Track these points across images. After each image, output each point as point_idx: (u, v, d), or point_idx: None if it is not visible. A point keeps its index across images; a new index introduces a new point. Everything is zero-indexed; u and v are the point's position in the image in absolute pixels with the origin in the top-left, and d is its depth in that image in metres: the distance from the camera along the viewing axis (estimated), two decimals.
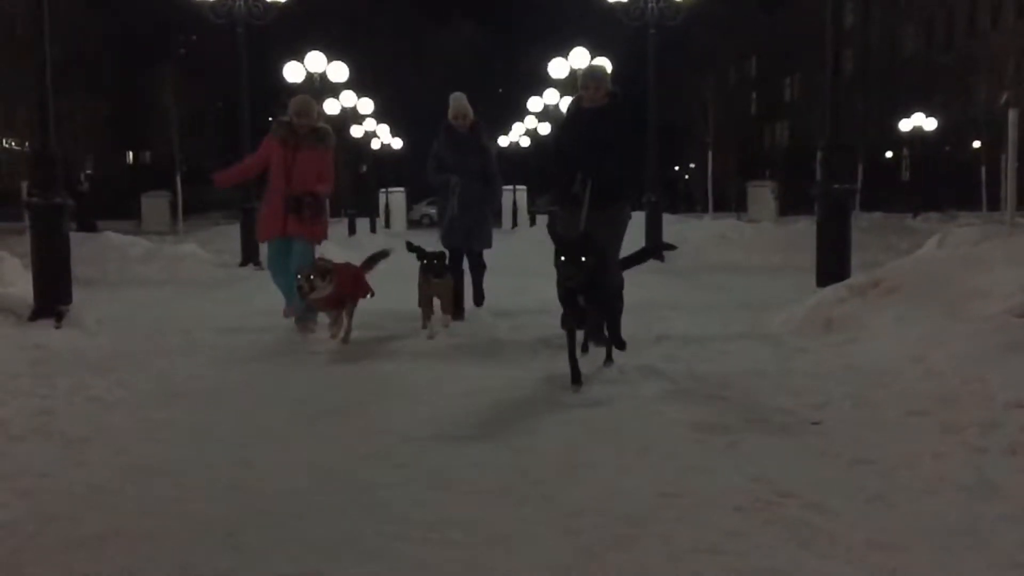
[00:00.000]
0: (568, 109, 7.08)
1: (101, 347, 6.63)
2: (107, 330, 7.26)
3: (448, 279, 7.51)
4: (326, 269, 6.68)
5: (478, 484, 3.56)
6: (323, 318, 7.29)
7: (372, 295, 7.42)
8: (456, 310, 7.97)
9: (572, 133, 6.68)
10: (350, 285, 7.02)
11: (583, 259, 5.31)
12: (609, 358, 5.86)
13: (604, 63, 6.76)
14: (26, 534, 3.10)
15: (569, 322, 5.58)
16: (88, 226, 20.69)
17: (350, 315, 6.97)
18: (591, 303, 5.49)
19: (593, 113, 6.56)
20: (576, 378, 5.29)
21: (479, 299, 8.72)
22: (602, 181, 6.27)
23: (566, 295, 5.51)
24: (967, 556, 2.82)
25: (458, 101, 8.47)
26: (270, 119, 8.63)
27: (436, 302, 7.53)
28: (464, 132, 8.42)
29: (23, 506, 3.38)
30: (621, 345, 5.85)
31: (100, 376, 5.66)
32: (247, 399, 5.16)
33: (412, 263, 7.56)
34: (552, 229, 5.67)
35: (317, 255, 7.43)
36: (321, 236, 7.64)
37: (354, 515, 3.25)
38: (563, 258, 5.35)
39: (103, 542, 3.01)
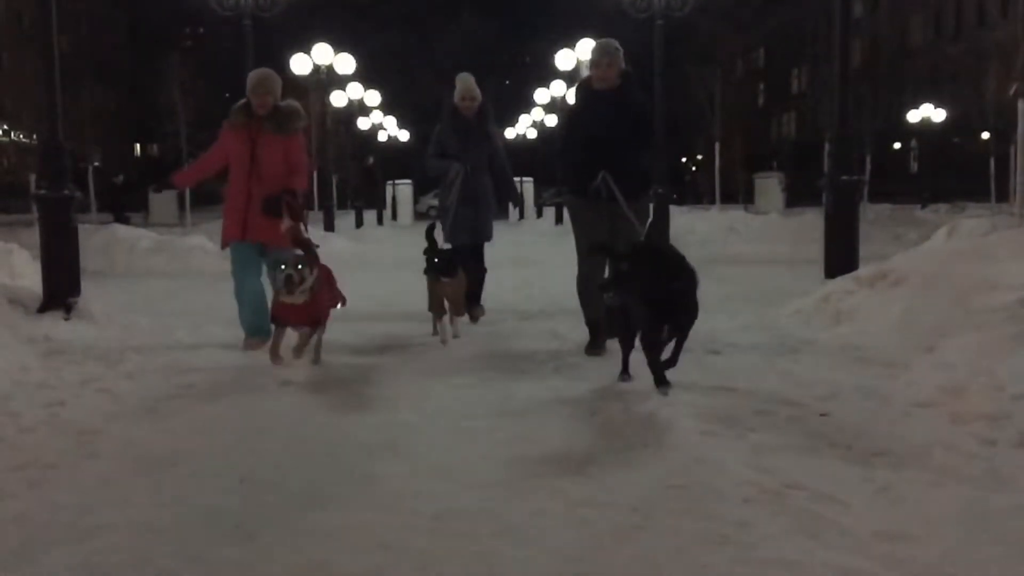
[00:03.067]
0: (577, 92, 6.45)
1: (110, 339, 6.65)
2: (116, 322, 7.26)
3: (460, 278, 6.81)
4: (311, 259, 5.58)
5: (485, 476, 3.56)
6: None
7: (344, 304, 6.32)
8: (470, 308, 7.42)
9: (585, 118, 6.11)
10: (328, 292, 6.00)
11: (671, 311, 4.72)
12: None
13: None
14: (36, 524, 3.12)
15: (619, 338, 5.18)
16: (123, 219, 20.88)
17: (322, 330, 5.83)
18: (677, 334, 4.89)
19: (607, 95, 6.03)
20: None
21: (477, 309, 7.71)
22: (624, 171, 5.82)
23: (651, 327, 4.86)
24: (976, 547, 2.82)
25: (465, 81, 7.76)
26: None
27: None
28: (470, 116, 7.68)
29: (33, 497, 3.40)
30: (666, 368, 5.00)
31: (109, 368, 5.69)
32: (255, 391, 5.16)
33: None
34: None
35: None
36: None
37: (362, 506, 3.26)
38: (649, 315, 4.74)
39: (113, 532, 3.03)
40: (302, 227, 6.07)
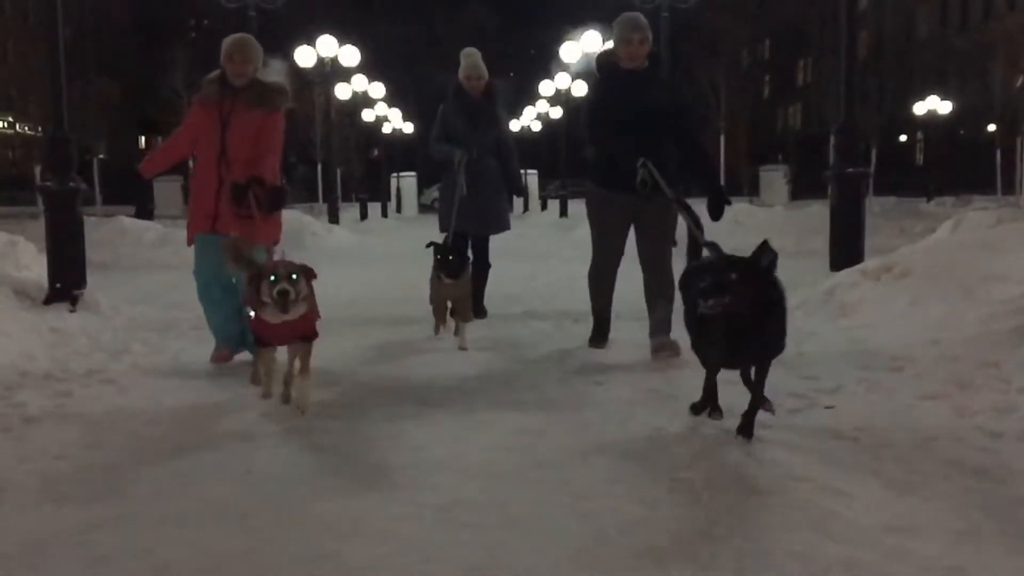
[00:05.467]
0: (601, 71, 5.71)
1: (115, 330, 6.67)
2: (122, 314, 7.29)
3: (466, 279, 6.30)
4: (302, 267, 4.33)
5: (490, 468, 3.56)
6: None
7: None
8: (475, 309, 6.89)
9: (616, 102, 5.44)
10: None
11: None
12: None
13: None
14: (42, 515, 3.13)
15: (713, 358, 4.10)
16: (146, 212, 20.85)
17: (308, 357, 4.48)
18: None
19: (637, 76, 5.44)
20: (715, 406, 4.17)
21: (479, 311, 7.18)
22: (662, 161, 5.24)
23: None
24: (983, 540, 2.81)
25: (470, 57, 7.17)
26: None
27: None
28: (477, 96, 7.14)
29: (39, 487, 3.40)
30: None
31: (115, 359, 5.70)
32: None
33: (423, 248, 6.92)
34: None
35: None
36: (273, 237, 5.32)
37: (366, 498, 3.26)
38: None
39: (119, 523, 3.03)
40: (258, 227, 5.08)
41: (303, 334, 4.43)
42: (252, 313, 4.44)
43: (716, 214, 5.29)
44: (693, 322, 4.11)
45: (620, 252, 5.85)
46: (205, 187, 5.44)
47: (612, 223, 5.70)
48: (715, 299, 3.66)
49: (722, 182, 5.51)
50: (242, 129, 5.32)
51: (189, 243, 5.65)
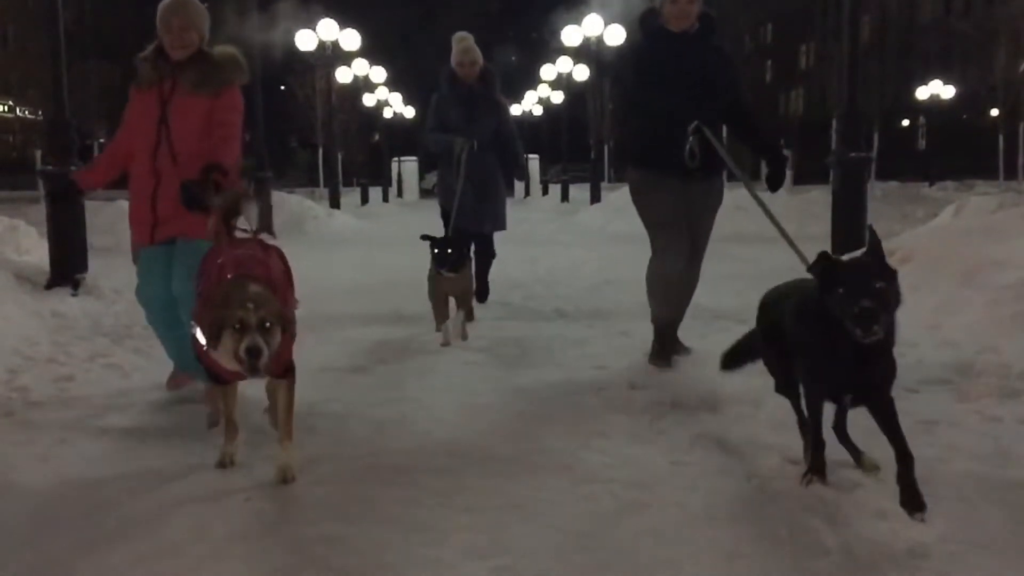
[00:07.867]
0: (646, 33, 4.88)
1: (118, 315, 6.68)
2: (123, 298, 7.27)
3: (467, 273, 5.94)
4: (277, 312, 3.16)
5: (493, 452, 3.58)
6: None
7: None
8: (477, 295, 6.70)
9: (664, 68, 4.67)
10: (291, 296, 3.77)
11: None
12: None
13: None
14: (44, 499, 3.15)
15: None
16: None
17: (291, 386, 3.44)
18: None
19: (687, 39, 4.71)
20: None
21: (483, 294, 7.14)
22: (716, 136, 4.60)
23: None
24: (984, 525, 2.82)
25: (462, 42, 6.68)
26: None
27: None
28: (472, 83, 6.69)
29: (42, 471, 3.42)
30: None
31: (117, 343, 5.72)
32: None
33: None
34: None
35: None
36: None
37: (370, 481, 3.27)
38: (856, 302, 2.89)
39: (122, 506, 3.05)
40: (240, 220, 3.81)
41: (273, 372, 3.29)
42: (203, 340, 3.22)
43: (775, 184, 4.85)
44: (811, 351, 3.27)
45: (688, 241, 4.98)
46: (139, 188, 4.36)
47: (668, 208, 4.86)
48: (880, 318, 2.92)
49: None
50: (185, 114, 4.30)
51: (135, 259, 4.58)
